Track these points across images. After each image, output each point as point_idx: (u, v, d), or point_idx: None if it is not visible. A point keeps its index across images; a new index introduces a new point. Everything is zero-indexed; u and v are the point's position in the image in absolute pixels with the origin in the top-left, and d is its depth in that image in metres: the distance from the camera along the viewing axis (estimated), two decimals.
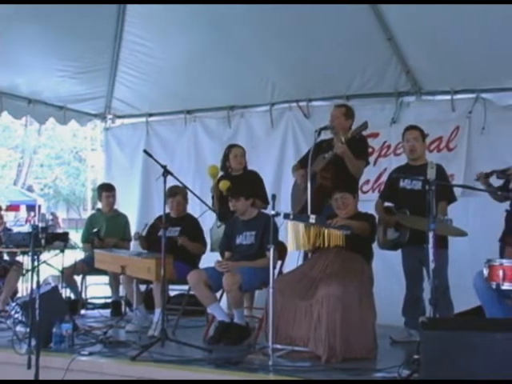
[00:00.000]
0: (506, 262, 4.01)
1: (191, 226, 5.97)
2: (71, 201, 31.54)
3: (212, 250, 6.05)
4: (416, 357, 3.78)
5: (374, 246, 5.16)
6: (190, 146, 7.68)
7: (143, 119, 7.93)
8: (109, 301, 6.78)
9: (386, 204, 5.40)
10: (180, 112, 7.69)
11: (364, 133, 5.50)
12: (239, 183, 5.68)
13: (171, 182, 5.16)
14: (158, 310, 5.30)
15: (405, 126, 5.47)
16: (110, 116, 8.07)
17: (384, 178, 6.18)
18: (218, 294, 5.37)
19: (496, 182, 5.06)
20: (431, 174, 4.95)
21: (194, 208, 6.32)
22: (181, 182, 5.28)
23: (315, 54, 6.19)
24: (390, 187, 5.43)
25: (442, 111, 6.46)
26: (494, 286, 4.00)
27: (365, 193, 6.44)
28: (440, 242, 4.39)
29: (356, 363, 4.30)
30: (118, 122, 8.18)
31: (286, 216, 4.79)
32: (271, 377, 4.05)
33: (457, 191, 5.43)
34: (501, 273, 3.94)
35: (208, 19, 6.06)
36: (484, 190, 5.03)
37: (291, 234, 4.87)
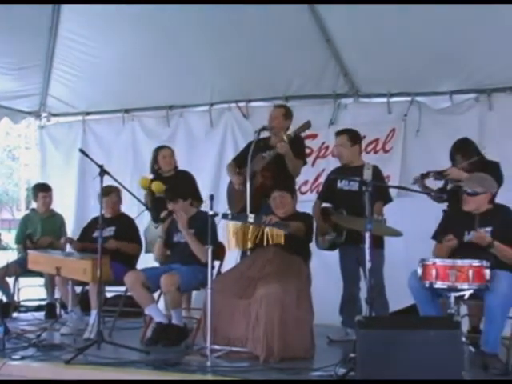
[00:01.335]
0: (438, 261, 4.11)
1: (126, 226, 5.90)
2: (4, 201, 30.70)
3: (147, 251, 5.99)
4: (352, 355, 3.82)
5: (312, 245, 5.21)
6: (128, 145, 7.58)
7: (80, 118, 7.78)
8: (43, 303, 6.62)
9: (325, 204, 5.46)
10: (118, 111, 7.58)
11: (303, 134, 5.55)
12: (175, 185, 5.66)
13: (108, 181, 5.08)
14: (94, 312, 5.20)
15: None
16: (44, 114, 7.87)
17: (322, 178, 6.25)
18: (156, 295, 5.32)
19: (434, 183, 5.23)
20: (367, 175, 5.07)
21: (131, 208, 6.24)
22: (118, 182, 5.20)
23: (254, 54, 6.21)
24: (328, 188, 5.48)
25: (379, 113, 6.58)
26: (427, 285, 4.09)
27: (303, 193, 6.51)
28: (376, 242, 4.46)
29: (294, 363, 4.32)
30: (54, 120, 7.98)
31: (225, 216, 4.78)
32: (209, 377, 4.02)
33: (392, 192, 5.54)
34: (434, 272, 4.03)
35: (148, 19, 5.99)
36: (418, 192, 5.15)
37: (230, 233, 4.87)
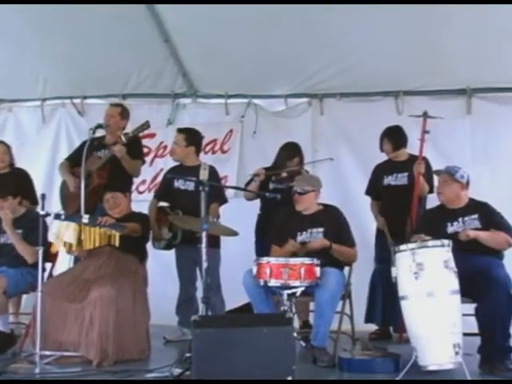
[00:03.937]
0: (272, 260, 4.23)
1: None
2: None
3: None
4: (188, 355, 3.83)
5: (149, 245, 5.16)
6: None
7: None
8: None
9: (161, 204, 5.42)
10: None
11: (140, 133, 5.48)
12: (4, 181, 5.38)
13: None
14: None
15: None
16: None
17: (160, 178, 6.20)
18: None
19: None
20: (204, 175, 5.11)
21: None
22: None
23: (90, 51, 5.97)
24: (165, 187, 5.46)
25: (217, 114, 6.67)
26: (261, 283, 4.19)
27: (141, 193, 6.45)
28: (212, 242, 4.50)
29: (129, 365, 4.26)
30: None
31: (57, 216, 4.60)
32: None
33: (230, 192, 5.63)
34: (268, 270, 4.15)
35: None
36: (254, 192, 5.28)
37: (62, 234, 4.69)
